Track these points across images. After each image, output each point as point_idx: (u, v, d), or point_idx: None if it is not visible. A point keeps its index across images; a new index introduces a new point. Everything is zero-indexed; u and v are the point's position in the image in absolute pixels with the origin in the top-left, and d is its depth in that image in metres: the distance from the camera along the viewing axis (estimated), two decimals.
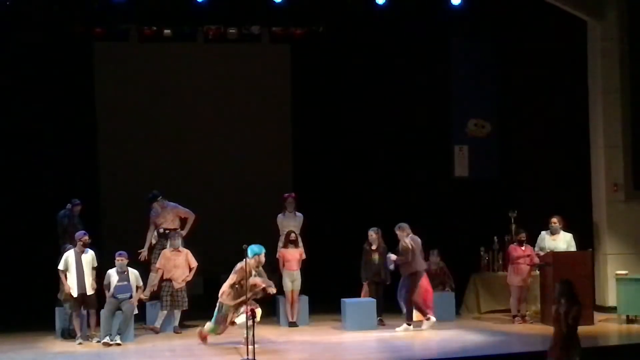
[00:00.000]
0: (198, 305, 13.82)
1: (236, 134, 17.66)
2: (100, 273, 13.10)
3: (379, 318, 13.75)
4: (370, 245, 13.97)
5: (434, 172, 17.28)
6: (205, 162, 17.53)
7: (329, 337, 13.09)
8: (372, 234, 13.92)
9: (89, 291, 12.92)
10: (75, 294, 12.87)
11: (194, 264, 13.76)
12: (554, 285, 10.38)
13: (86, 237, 13.04)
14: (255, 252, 12.20)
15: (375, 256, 13.90)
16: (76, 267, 12.92)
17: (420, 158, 17.24)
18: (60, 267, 12.96)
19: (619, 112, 14.99)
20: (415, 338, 12.93)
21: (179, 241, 13.78)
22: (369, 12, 16.22)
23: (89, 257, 13.00)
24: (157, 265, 13.68)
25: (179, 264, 13.68)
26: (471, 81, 17.49)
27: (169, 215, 14.31)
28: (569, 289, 9.84)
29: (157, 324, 13.67)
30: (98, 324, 12.95)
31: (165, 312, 13.70)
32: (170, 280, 13.61)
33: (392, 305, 13.83)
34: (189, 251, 13.80)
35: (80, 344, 12.77)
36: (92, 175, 16.94)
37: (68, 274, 12.93)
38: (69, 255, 12.99)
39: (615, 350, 11.81)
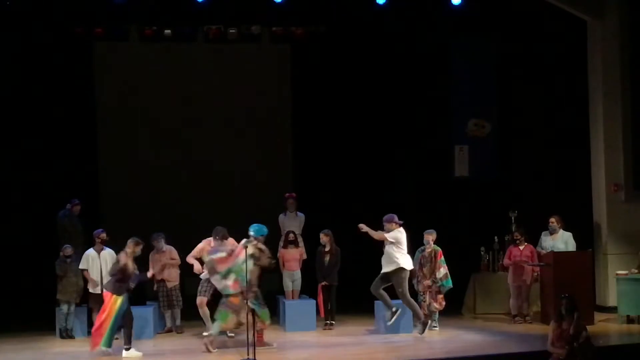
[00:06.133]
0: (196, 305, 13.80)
1: (236, 134, 17.65)
2: None
3: (326, 322, 13.66)
4: (324, 247, 13.87)
5: (434, 172, 17.28)
6: (205, 161, 17.53)
7: (329, 337, 13.08)
8: (323, 237, 13.75)
9: None
10: (96, 291, 13.00)
11: (177, 258, 13.68)
12: (557, 301, 10.48)
13: (104, 234, 13.20)
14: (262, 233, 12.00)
15: (327, 258, 13.80)
16: (96, 266, 13.10)
17: (420, 158, 17.24)
18: (82, 266, 13.14)
19: (619, 112, 15.01)
20: (416, 338, 12.91)
21: (161, 243, 13.68)
22: (369, 12, 16.22)
23: (107, 255, 13.12)
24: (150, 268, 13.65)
25: (166, 264, 13.67)
26: (471, 81, 17.47)
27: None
28: (574, 304, 10.17)
29: (168, 325, 13.71)
30: None
31: (166, 312, 13.74)
32: (162, 280, 13.65)
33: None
34: (172, 248, 13.74)
35: None
36: (92, 175, 16.94)
37: (89, 273, 13.09)
38: (89, 254, 13.17)
39: (615, 350, 11.79)
